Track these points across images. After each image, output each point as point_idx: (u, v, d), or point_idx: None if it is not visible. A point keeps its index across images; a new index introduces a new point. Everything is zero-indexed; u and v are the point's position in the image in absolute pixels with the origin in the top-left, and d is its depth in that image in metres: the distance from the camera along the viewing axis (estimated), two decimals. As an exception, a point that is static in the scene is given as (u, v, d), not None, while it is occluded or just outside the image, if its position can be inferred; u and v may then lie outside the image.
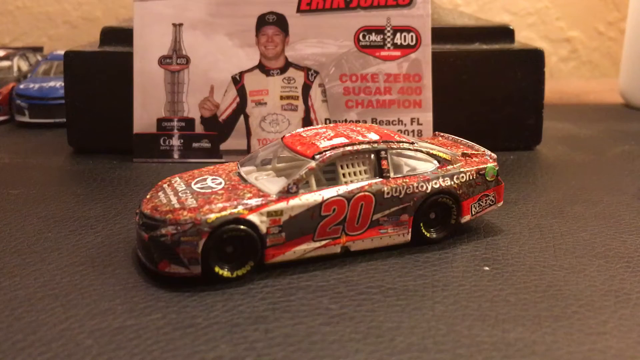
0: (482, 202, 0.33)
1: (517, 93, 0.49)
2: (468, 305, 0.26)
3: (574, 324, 0.25)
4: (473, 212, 0.33)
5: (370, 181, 0.30)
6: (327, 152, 0.30)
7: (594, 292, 0.27)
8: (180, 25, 0.47)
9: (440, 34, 0.48)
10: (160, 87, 0.47)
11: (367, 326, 0.24)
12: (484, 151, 0.34)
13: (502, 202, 0.34)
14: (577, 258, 0.30)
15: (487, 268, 0.29)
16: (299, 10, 0.47)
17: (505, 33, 0.50)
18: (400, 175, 0.31)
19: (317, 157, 0.30)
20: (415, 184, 0.31)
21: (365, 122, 0.47)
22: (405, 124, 0.47)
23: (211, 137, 0.47)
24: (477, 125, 0.49)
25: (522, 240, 0.33)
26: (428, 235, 0.32)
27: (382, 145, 0.31)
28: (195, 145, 0.47)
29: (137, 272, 0.29)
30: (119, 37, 0.49)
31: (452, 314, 0.25)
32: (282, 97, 0.47)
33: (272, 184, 0.30)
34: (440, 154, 0.32)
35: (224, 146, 0.47)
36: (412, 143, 0.32)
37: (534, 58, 0.49)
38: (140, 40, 0.47)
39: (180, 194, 0.30)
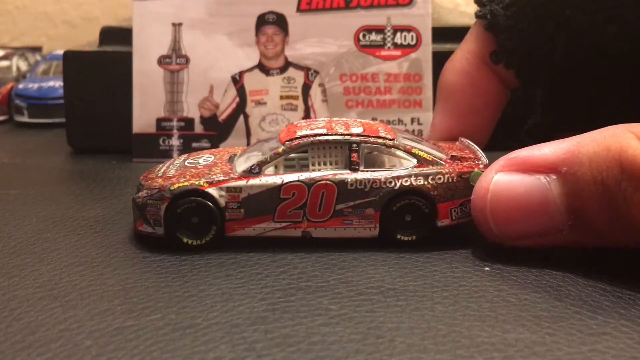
0: (465, 207, 0.32)
1: (516, 93, 0.49)
2: (468, 305, 0.26)
3: (574, 325, 0.24)
4: (454, 217, 0.32)
5: (335, 171, 0.31)
6: (297, 140, 0.32)
7: (594, 292, 0.27)
8: (180, 24, 0.47)
9: (441, 33, 0.48)
10: (160, 87, 0.47)
11: (367, 327, 0.24)
12: (479, 157, 0.33)
13: None
14: (577, 258, 0.30)
15: (487, 268, 0.29)
16: (298, 10, 0.47)
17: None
18: (369, 169, 0.31)
19: (287, 143, 0.32)
20: (382, 179, 0.31)
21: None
22: (405, 124, 0.47)
23: (211, 137, 0.47)
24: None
25: (522, 240, 0.33)
26: (399, 236, 0.31)
27: (355, 139, 0.31)
28: (194, 145, 0.47)
29: (137, 272, 0.29)
30: (118, 36, 0.49)
31: (452, 315, 0.25)
32: (282, 97, 0.47)
33: (244, 165, 0.32)
34: (420, 154, 0.32)
35: (223, 146, 0.47)
36: (392, 140, 0.32)
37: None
38: (140, 39, 0.47)
39: (171, 166, 0.34)
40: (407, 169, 0.32)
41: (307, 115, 0.47)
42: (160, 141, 0.47)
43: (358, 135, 0.32)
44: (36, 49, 0.74)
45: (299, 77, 0.47)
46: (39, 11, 0.87)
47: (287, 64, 0.47)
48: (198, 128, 0.47)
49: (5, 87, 0.61)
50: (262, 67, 0.47)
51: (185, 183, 0.31)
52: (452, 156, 0.33)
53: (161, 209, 0.31)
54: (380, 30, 0.47)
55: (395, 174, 0.31)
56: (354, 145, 0.31)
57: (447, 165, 0.32)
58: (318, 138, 0.31)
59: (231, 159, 0.33)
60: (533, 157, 0.28)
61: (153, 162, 0.46)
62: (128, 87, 0.47)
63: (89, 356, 0.22)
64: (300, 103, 0.47)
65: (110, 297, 0.27)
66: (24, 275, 0.28)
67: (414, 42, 0.47)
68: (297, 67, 0.47)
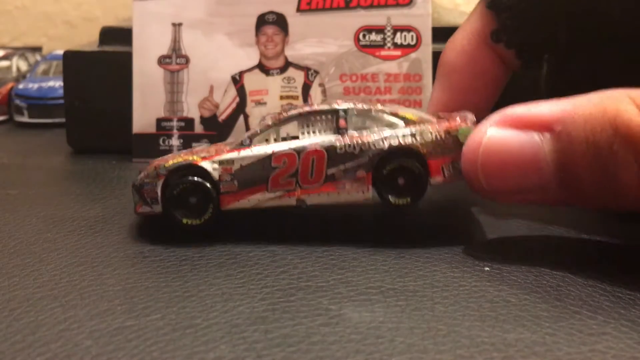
0: (458, 165, 0.31)
1: (516, 93, 0.49)
2: (468, 305, 0.26)
3: (574, 325, 0.24)
4: (446, 174, 0.31)
5: (323, 137, 0.32)
6: (286, 113, 0.33)
7: (594, 292, 0.27)
8: (180, 24, 0.47)
9: (441, 33, 0.48)
10: (160, 87, 0.47)
11: (367, 327, 0.24)
12: (467, 118, 0.33)
13: None
14: (577, 258, 0.30)
15: (487, 268, 0.29)
16: (298, 10, 0.47)
17: None
18: (357, 134, 0.32)
19: (276, 114, 0.33)
20: (371, 141, 0.31)
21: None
22: (405, 124, 0.47)
23: (211, 137, 0.47)
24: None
25: (522, 240, 0.33)
26: (393, 200, 0.31)
27: (342, 107, 0.32)
28: (194, 145, 0.47)
29: (137, 272, 0.29)
30: (118, 36, 0.49)
31: (452, 315, 0.25)
32: (282, 97, 0.47)
33: (239, 139, 0.33)
34: (407, 115, 0.32)
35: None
36: (378, 105, 0.33)
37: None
38: (140, 39, 0.47)
39: (171, 154, 0.34)
40: (395, 130, 0.32)
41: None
42: (160, 141, 0.47)
43: (344, 103, 0.33)
44: (36, 49, 0.74)
45: (299, 77, 0.47)
46: (39, 11, 0.87)
47: (287, 64, 0.47)
48: (198, 128, 0.47)
49: (5, 87, 0.61)
50: (262, 67, 0.47)
51: (179, 159, 0.32)
52: (439, 116, 0.33)
53: (157, 185, 0.32)
54: (380, 30, 0.47)
55: (383, 134, 0.31)
56: (341, 112, 0.32)
57: (434, 123, 0.32)
58: (306, 109, 0.33)
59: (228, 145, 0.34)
60: (529, 114, 0.28)
61: (153, 162, 0.46)
62: (128, 87, 0.47)
63: (89, 356, 0.22)
64: (300, 103, 0.47)
65: (110, 297, 0.27)
66: (24, 275, 0.28)
67: (414, 42, 0.47)
68: (297, 67, 0.47)
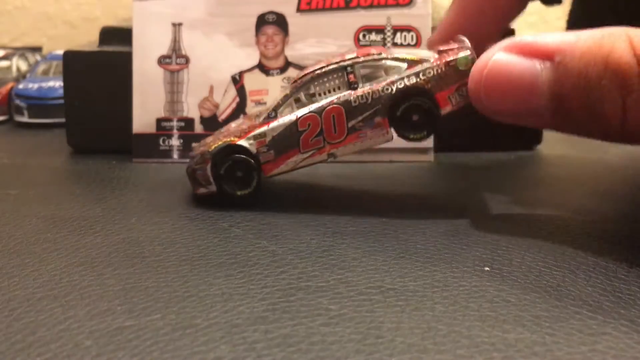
0: (462, 91, 0.34)
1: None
2: (468, 305, 0.26)
3: (574, 325, 0.24)
4: (454, 103, 0.34)
5: (337, 95, 0.35)
6: (299, 79, 0.36)
7: (594, 292, 0.27)
8: (180, 24, 0.47)
9: (440, 33, 0.48)
10: (160, 87, 0.47)
11: (367, 327, 0.24)
12: (465, 45, 0.35)
13: None
14: (577, 258, 0.30)
15: (487, 268, 0.29)
16: (298, 10, 0.47)
17: (505, 32, 0.50)
18: (367, 85, 0.35)
19: (293, 84, 0.36)
20: (380, 89, 0.35)
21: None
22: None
23: (211, 137, 0.47)
24: (477, 125, 0.49)
25: (522, 240, 0.32)
26: (411, 136, 0.35)
27: (348, 63, 0.36)
28: (195, 145, 0.47)
29: (137, 272, 0.29)
30: (118, 36, 0.49)
31: (452, 315, 0.25)
32: (281, 97, 0.47)
33: (264, 114, 0.37)
34: (408, 57, 0.35)
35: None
36: (379, 54, 0.36)
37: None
38: (140, 40, 0.47)
39: (210, 137, 0.39)
40: (399, 73, 0.35)
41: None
42: (160, 141, 0.47)
43: (349, 59, 0.36)
44: (36, 49, 0.74)
45: (299, 77, 0.47)
46: (39, 11, 0.87)
47: (287, 64, 0.47)
48: (198, 128, 0.47)
49: (5, 87, 0.61)
50: (262, 67, 0.47)
51: (220, 142, 0.36)
52: (439, 51, 0.35)
53: (207, 169, 0.36)
54: (380, 30, 0.47)
55: (389, 80, 0.35)
56: (349, 68, 0.36)
57: (434, 59, 0.35)
58: (316, 72, 0.36)
59: (258, 116, 0.37)
60: (535, 43, 0.30)
61: (153, 163, 0.46)
62: (128, 87, 0.47)
63: (89, 356, 0.22)
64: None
65: (110, 297, 0.27)
66: (24, 275, 0.28)
67: (414, 42, 0.47)
68: (297, 67, 0.47)
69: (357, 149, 0.36)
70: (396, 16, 0.47)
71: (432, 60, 0.35)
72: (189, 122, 0.47)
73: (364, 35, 0.47)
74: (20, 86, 0.60)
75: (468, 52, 0.34)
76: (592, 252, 0.31)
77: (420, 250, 0.31)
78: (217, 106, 0.47)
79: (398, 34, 0.47)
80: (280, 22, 0.47)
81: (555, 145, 0.51)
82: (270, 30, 0.47)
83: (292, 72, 0.47)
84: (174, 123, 0.47)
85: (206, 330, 0.24)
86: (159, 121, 0.47)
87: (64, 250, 0.31)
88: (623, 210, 0.37)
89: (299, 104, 0.36)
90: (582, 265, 0.29)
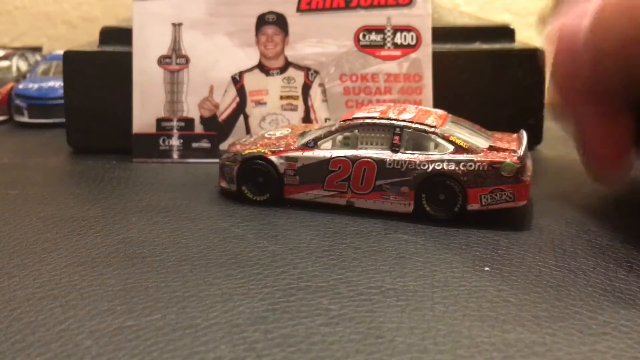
0: (496, 195, 0.34)
1: (517, 93, 0.49)
2: (468, 305, 0.26)
3: (574, 324, 0.24)
4: (483, 203, 0.34)
5: (378, 151, 0.35)
6: (349, 121, 0.36)
7: (594, 292, 0.27)
8: (180, 25, 0.47)
9: (441, 33, 0.48)
10: (160, 87, 0.47)
11: (367, 327, 0.24)
12: (515, 150, 0.35)
13: (525, 202, 0.34)
14: (577, 258, 0.30)
15: (487, 268, 0.29)
16: (298, 10, 0.47)
17: (505, 33, 0.50)
18: (408, 152, 0.35)
19: (341, 123, 0.37)
20: (417, 162, 0.35)
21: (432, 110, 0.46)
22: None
23: (211, 137, 0.47)
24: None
25: (522, 240, 0.32)
26: (431, 212, 0.35)
27: (399, 124, 0.36)
28: (194, 145, 0.47)
29: (137, 272, 0.29)
30: (118, 36, 0.49)
31: (452, 315, 0.25)
32: (282, 97, 0.47)
33: (305, 140, 0.37)
34: (458, 141, 0.35)
35: (223, 146, 0.47)
36: (433, 127, 0.35)
37: (535, 58, 0.49)
38: (140, 40, 0.47)
39: (254, 136, 0.40)
40: (443, 154, 0.35)
41: (307, 116, 0.47)
42: (160, 141, 0.47)
43: (404, 120, 0.36)
44: (36, 49, 0.74)
45: (299, 77, 0.47)
46: (39, 11, 0.87)
47: (287, 64, 0.47)
48: (198, 128, 0.47)
49: (5, 87, 0.61)
50: (262, 67, 0.47)
51: (254, 150, 0.37)
52: (491, 146, 0.35)
53: (234, 169, 0.38)
54: (380, 30, 0.47)
55: (430, 157, 0.35)
56: (397, 129, 0.36)
57: (482, 154, 0.34)
58: (367, 121, 0.36)
59: (302, 135, 0.39)
60: (587, 5, 0.32)
61: (153, 163, 0.46)
62: (128, 87, 0.47)
63: (89, 356, 0.22)
64: (300, 103, 0.47)
65: (110, 297, 0.27)
66: (24, 275, 0.28)
67: (414, 42, 0.47)
68: (297, 67, 0.47)
69: (376, 207, 0.36)
70: (396, 16, 0.47)
71: (479, 153, 0.34)
72: (189, 122, 0.47)
73: (364, 35, 0.47)
74: (20, 86, 0.60)
75: (515, 160, 0.34)
76: (592, 252, 0.31)
77: (420, 250, 0.31)
78: (217, 106, 0.47)
79: (398, 34, 0.47)
80: (280, 22, 0.47)
81: (555, 145, 0.51)
82: (270, 30, 0.47)
83: (292, 72, 0.47)
84: (174, 123, 0.47)
85: (206, 330, 0.24)
86: (159, 121, 0.47)
87: (64, 250, 0.31)
88: (623, 211, 0.37)
89: (343, 144, 0.37)
90: (582, 265, 0.29)
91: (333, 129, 0.37)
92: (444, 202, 0.34)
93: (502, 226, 0.34)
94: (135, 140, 0.47)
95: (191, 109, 0.47)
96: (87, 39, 0.56)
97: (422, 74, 0.47)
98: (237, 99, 0.47)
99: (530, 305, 0.26)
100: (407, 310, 0.26)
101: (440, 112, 0.38)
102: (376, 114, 0.36)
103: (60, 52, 0.59)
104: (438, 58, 0.47)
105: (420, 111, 0.37)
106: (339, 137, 0.37)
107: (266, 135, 0.40)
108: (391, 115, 0.36)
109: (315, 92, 0.47)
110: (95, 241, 0.32)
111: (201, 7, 0.47)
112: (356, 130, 0.36)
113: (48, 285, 0.28)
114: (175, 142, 0.47)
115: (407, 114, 0.36)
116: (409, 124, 0.35)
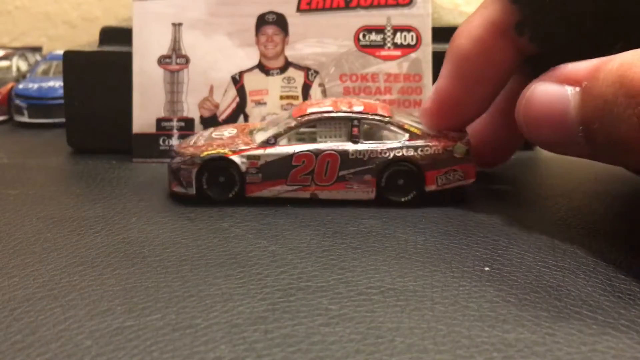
0: (450, 176, 0.37)
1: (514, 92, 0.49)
2: (468, 305, 0.26)
3: (574, 324, 0.24)
4: (439, 183, 0.37)
5: (338, 143, 0.37)
6: (307, 116, 0.37)
7: (594, 292, 0.27)
8: (180, 24, 0.47)
9: (441, 33, 0.48)
10: (160, 87, 0.47)
11: (367, 327, 0.24)
12: (464, 135, 0.38)
13: (473, 180, 0.38)
14: (577, 258, 0.30)
15: (487, 268, 0.29)
16: (298, 10, 0.47)
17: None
18: (367, 142, 0.37)
19: (299, 118, 0.37)
20: (378, 150, 0.37)
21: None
22: (405, 124, 0.47)
23: (211, 137, 0.47)
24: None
25: (522, 240, 0.32)
26: (392, 197, 0.37)
27: (356, 116, 0.37)
28: (182, 141, 0.47)
29: (137, 272, 0.29)
30: (118, 36, 0.49)
31: (452, 315, 0.25)
32: (282, 97, 0.47)
33: (262, 137, 0.38)
34: (412, 129, 0.37)
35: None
36: (388, 117, 0.37)
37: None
38: (140, 40, 0.47)
39: (200, 137, 0.39)
40: (400, 142, 0.37)
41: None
42: (160, 141, 0.47)
43: (359, 112, 0.37)
44: (36, 49, 0.74)
45: (299, 77, 0.47)
46: (39, 11, 0.87)
47: (287, 64, 0.47)
48: (198, 128, 0.47)
49: (5, 87, 0.61)
50: (262, 67, 0.47)
51: (213, 151, 0.37)
52: (440, 131, 0.37)
53: (192, 172, 0.37)
54: (380, 30, 0.47)
55: (389, 146, 0.37)
56: (355, 121, 0.37)
57: (435, 139, 0.37)
58: (325, 115, 0.37)
59: (251, 133, 0.39)
60: (568, 69, 0.30)
61: (153, 163, 0.46)
62: (128, 87, 0.47)
63: (89, 356, 0.22)
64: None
65: (110, 297, 0.27)
66: (24, 275, 0.28)
67: (414, 42, 0.47)
68: (297, 67, 0.47)
69: (339, 197, 0.37)
70: (396, 16, 0.47)
71: (432, 139, 0.37)
72: (189, 122, 0.47)
73: (364, 35, 0.47)
74: (20, 86, 0.60)
75: (465, 142, 0.37)
76: (592, 252, 0.31)
77: (420, 250, 0.31)
78: (217, 106, 0.47)
79: (398, 34, 0.47)
80: (280, 22, 0.47)
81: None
82: (270, 30, 0.47)
83: (292, 72, 0.47)
84: (174, 123, 0.47)
85: (206, 330, 0.24)
86: (159, 121, 0.47)
87: (64, 250, 0.31)
88: (623, 211, 0.37)
89: (299, 139, 0.37)
90: (582, 265, 0.29)
91: (292, 124, 0.37)
92: (403, 187, 0.37)
93: (502, 226, 0.34)
94: (135, 140, 0.47)
95: (191, 109, 0.47)
96: (87, 39, 0.56)
97: (422, 74, 0.47)
98: (237, 99, 0.47)
99: (530, 305, 0.26)
100: (407, 310, 0.26)
101: (380, 103, 0.40)
102: (330, 108, 0.37)
103: (60, 52, 0.59)
104: (438, 58, 0.47)
105: (365, 103, 0.39)
106: (299, 133, 0.37)
107: (214, 135, 0.39)
108: (344, 108, 0.37)
109: (315, 92, 0.47)
110: (95, 241, 0.32)
111: (201, 7, 0.47)
112: (315, 125, 0.37)
113: (48, 285, 0.28)
114: (175, 142, 0.47)
115: (357, 107, 0.38)
116: (365, 116, 0.37)
